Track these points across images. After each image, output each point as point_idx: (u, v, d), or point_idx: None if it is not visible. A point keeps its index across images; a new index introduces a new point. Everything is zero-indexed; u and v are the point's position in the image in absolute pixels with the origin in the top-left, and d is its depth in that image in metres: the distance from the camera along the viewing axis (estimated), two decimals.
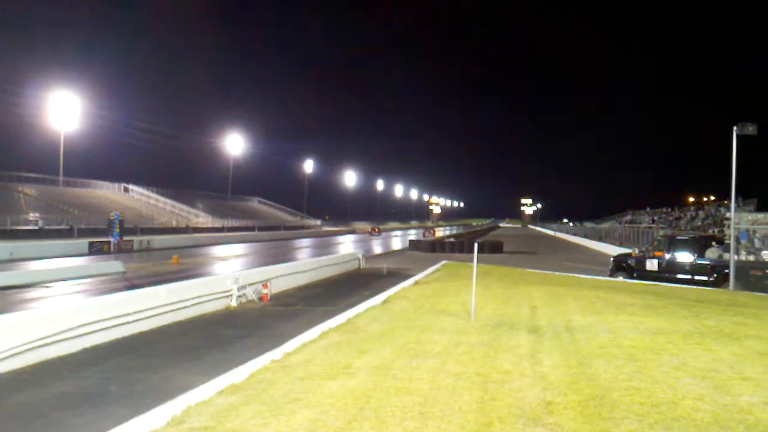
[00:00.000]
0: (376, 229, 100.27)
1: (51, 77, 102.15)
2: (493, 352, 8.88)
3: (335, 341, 9.80)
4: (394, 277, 23.67)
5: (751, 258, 19.10)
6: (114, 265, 24.37)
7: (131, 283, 21.33)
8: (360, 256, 29.49)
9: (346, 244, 58.14)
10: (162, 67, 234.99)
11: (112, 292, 14.76)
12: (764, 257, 18.95)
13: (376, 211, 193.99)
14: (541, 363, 8.18)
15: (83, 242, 41.00)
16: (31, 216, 54.28)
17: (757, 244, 20.26)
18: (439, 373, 7.58)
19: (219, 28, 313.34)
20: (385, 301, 14.64)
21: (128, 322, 12.01)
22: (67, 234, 50.86)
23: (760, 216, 20.69)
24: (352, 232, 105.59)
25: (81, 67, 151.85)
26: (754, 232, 19.78)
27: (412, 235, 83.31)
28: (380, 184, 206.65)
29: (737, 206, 20.71)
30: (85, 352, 10.55)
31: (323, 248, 50.34)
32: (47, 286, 20.14)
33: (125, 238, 43.52)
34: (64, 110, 68.94)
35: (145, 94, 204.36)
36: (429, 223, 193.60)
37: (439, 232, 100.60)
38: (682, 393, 6.72)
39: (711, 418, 5.92)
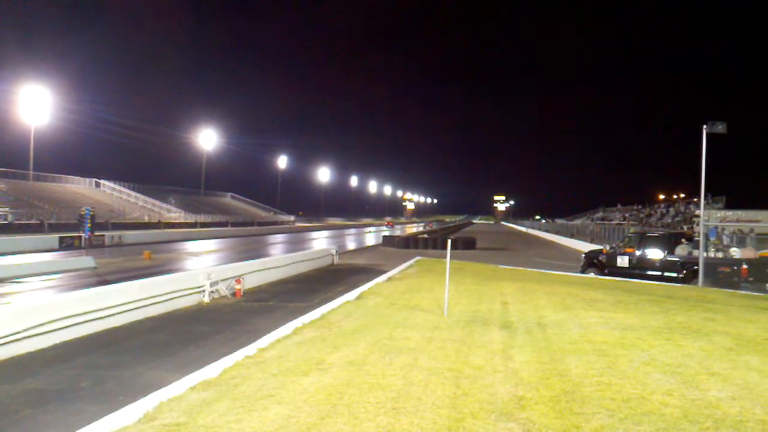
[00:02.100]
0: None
1: (21, 71, 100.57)
2: (466, 347, 8.93)
3: (309, 337, 9.78)
4: (368, 272, 23.67)
5: (720, 255, 19.40)
6: (85, 261, 24.05)
7: (102, 278, 21.10)
8: (334, 251, 29.46)
9: (320, 240, 57.99)
10: (134, 61, 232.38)
11: (83, 288, 14.58)
12: (732, 254, 19.25)
13: (350, 207, 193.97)
14: (513, 359, 8.25)
15: (54, 237, 40.44)
16: (1, 210, 53.45)
17: (726, 241, 20.60)
18: (412, 369, 7.61)
19: (192, 23, 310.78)
20: (358, 297, 14.65)
21: (99, 318, 11.90)
22: (37, 229, 50.20)
23: (729, 213, 21.11)
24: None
25: (52, 60, 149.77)
26: (723, 229, 20.12)
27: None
28: (354, 180, 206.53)
29: (706, 204, 20.98)
30: (56, 348, 10.43)
31: (297, 244, 50.17)
32: (17, 282, 19.85)
33: (96, 233, 42.86)
34: (34, 104, 67.91)
35: (117, 89, 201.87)
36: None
37: (413, 228, 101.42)
38: (652, 388, 6.82)
39: (680, 412, 6.01)
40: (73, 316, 11.16)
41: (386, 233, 62.54)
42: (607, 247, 23.26)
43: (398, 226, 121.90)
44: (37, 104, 68.27)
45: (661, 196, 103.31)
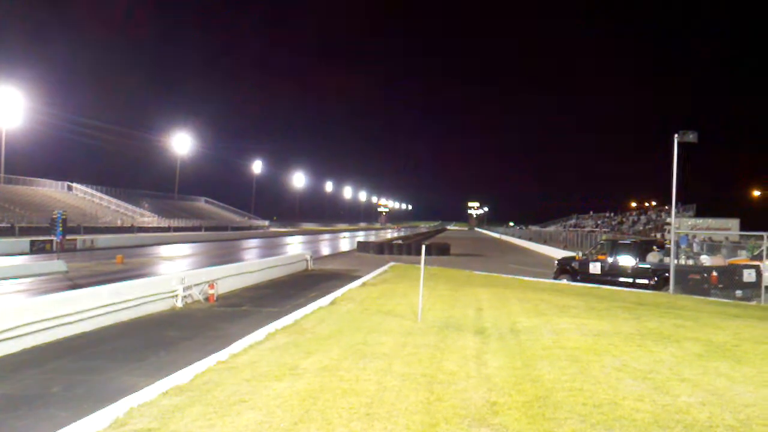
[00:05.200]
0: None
1: None
2: (440, 353, 8.95)
3: (282, 342, 9.75)
4: (342, 278, 23.64)
5: (690, 262, 19.63)
6: (56, 265, 23.74)
7: (74, 282, 20.84)
8: (308, 257, 29.35)
9: (294, 245, 57.78)
10: (108, 64, 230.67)
11: (54, 292, 14.41)
12: (702, 261, 19.49)
13: (325, 213, 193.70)
14: (486, 364, 8.28)
15: (25, 241, 39.89)
16: None
17: (696, 248, 20.86)
18: (385, 374, 7.61)
19: (167, 27, 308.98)
20: (332, 303, 14.62)
21: (70, 323, 11.74)
22: (8, 232, 49.49)
23: (699, 221, 21.39)
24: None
25: (24, 62, 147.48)
26: (693, 237, 20.38)
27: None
28: (329, 186, 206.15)
29: (677, 212, 21.24)
30: (26, 352, 10.28)
31: (271, 249, 49.96)
32: None
33: (68, 237, 42.44)
34: (5, 106, 66.93)
35: (91, 92, 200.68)
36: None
37: (387, 234, 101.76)
38: (623, 393, 6.88)
39: (651, 418, 6.08)
40: (44, 320, 11.00)
41: (361, 239, 62.56)
42: (580, 254, 23.44)
43: (372, 232, 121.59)
44: (9, 106, 67.31)
45: (633, 204, 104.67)
